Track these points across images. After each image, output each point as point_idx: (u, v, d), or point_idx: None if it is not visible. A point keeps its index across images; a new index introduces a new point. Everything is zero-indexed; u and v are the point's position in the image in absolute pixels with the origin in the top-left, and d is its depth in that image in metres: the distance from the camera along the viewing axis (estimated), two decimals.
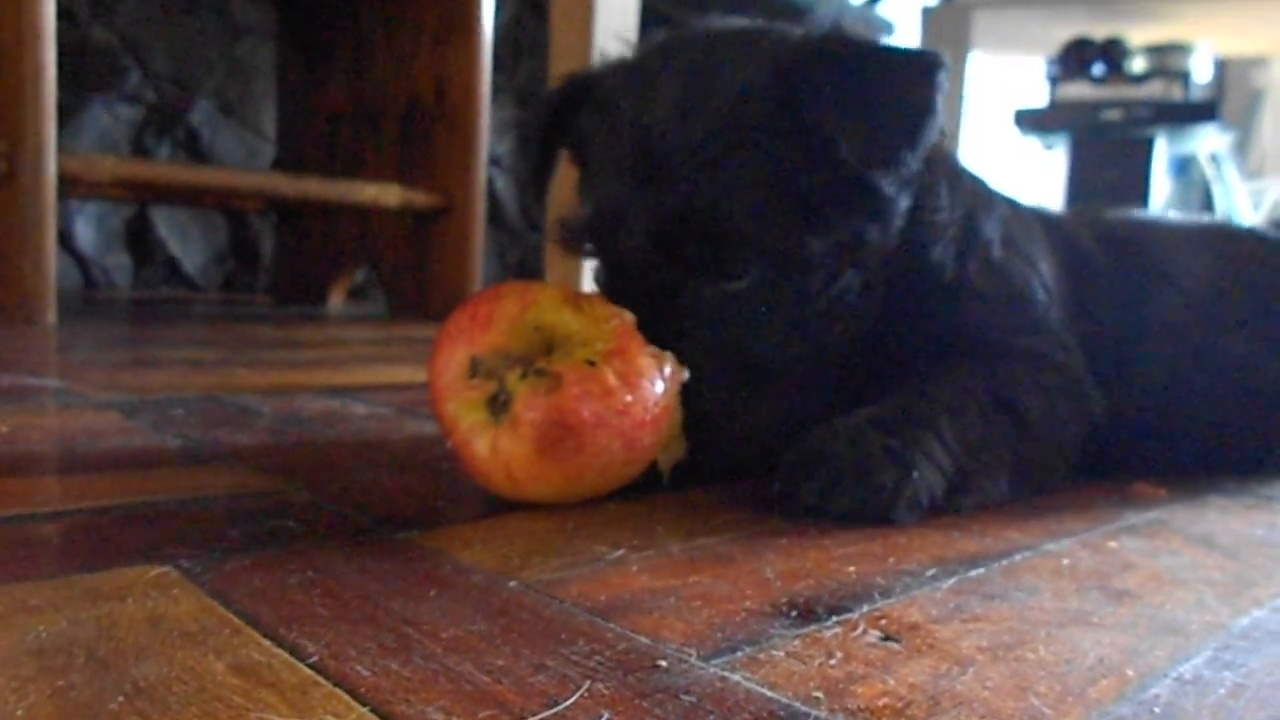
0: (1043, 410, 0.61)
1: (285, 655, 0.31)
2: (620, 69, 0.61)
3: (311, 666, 0.31)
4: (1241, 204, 3.32)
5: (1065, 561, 0.48)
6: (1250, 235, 0.86)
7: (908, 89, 0.54)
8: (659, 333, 0.53)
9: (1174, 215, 0.93)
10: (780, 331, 0.57)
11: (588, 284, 1.55)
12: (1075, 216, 0.80)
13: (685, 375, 0.53)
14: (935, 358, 0.61)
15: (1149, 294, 0.74)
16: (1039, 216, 0.74)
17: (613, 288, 0.58)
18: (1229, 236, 0.86)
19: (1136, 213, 0.87)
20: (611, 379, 0.50)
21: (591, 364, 0.50)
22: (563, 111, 0.65)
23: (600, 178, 0.58)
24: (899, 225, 0.60)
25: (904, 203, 0.59)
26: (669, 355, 0.53)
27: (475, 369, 0.51)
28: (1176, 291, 0.75)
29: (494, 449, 0.50)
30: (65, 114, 1.95)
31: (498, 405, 0.50)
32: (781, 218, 0.54)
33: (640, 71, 0.59)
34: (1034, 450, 0.61)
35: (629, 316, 0.53)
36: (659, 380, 0.51)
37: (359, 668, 0.31)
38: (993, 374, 0.61)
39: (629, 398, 0.50)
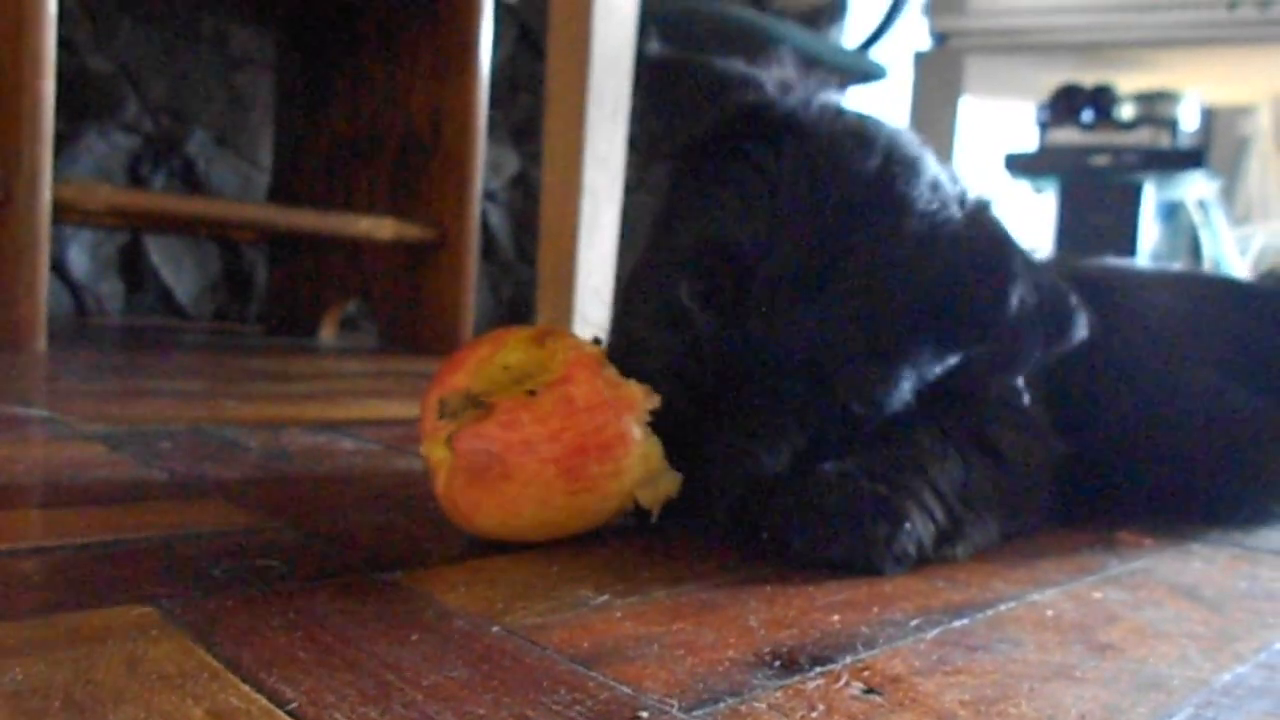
0: (1016, 447, 0.63)
1: (264, 701, 0.31)
2: (821, 130, 0.58)
3: (290, 713, 0.30)
4: (1229, 250, 3.36)
5: (1049, 613, 0.48)
6: (1219, 279, 0.88)
7: (1052, 334, 0.59)
8: (728, 384, 0.53)
9: (1144, 263, 0.95)
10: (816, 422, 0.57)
11: (580, 322, 1.55)
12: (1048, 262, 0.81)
13: (654, 403, 0.52)
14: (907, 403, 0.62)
15: (1116, 330, 0.75)
16: None
17: (704, 325, 0.55)
18: (1198, 281, 0.88)
19: (1109, 260, 0.89)
20: (547, 406, 0.50)
21: (532, 393, 0.51)
22: (730, 124, 0.59)
23: (766, 235, 0.55)
24: None
25: None
26: (631, 383, 0.52)
27: (442, 410, 0.52)
28: (1143, 328, 0.76)
29: (445, 483, 0.51)
30: (62, 141, 1.95)
31: (451, 441, 0.51)
32: (897, 367, 0.57)
33: (840, 155, 0.56)
34: (1014, 487, 0.62)
35: (589, 349, 0.53)
36: (609, 407, 0.51)
37: (338, 715, 0.31)
38: (966, 416, 0.62)
39: (563, 423, 0.50)
